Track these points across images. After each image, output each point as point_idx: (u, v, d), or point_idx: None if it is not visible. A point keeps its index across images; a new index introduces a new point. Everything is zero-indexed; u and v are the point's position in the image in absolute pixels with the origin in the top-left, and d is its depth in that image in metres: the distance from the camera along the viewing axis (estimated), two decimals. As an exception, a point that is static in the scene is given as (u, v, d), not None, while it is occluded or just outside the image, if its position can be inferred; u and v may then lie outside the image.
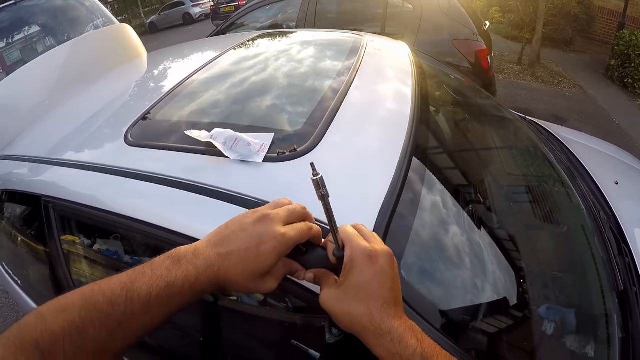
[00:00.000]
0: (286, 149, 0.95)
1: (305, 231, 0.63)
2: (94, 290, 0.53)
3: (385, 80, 1.47)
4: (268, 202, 0.71)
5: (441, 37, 3.89)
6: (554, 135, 2.19)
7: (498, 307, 1.01)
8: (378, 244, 0.62)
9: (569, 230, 1.48)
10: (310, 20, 4.42)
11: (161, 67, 1.86)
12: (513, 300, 1.06)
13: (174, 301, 0.55)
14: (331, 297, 0.60)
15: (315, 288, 0.68)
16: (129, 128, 1.19)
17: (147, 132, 1.18)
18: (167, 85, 1.47)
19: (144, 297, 0.53)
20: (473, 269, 1.03)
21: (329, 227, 0.63)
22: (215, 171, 0.94)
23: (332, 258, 0.64)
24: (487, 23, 4.35)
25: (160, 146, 1.07)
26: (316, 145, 0.98)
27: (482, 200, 1.27)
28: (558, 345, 1.08)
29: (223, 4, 16.81)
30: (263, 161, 0.93)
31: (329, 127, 1.06)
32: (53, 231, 1.19)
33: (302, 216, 0.66)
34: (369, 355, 0.57)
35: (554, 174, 1.69)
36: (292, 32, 2.16)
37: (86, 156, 1.17)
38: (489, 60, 3.93)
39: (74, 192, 1.09)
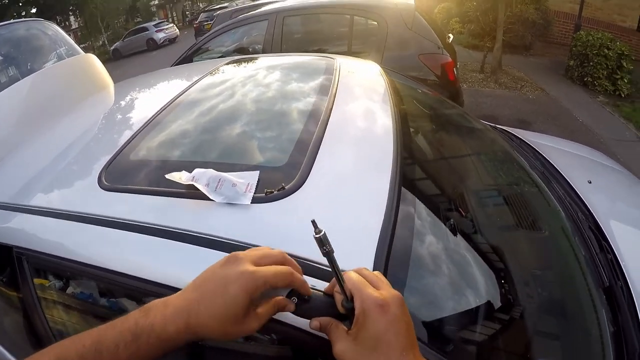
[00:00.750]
0: (274, 187, 0.91)
1: (282, 274, 0.61)
2: (68, 346, 0.53)
3: (362, 104, 1.47)
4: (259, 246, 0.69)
5: (407, 52, 3.95)
6: (525, 142, 2.23)
7: (503, 324, 1.02)
8: (386, 289, 0.61)
9: (550, 234, 1.51)
10: (277, 41, 4.44)
11: (130, 100, 1.81)
12: (514, 315, 1.07)
13: (142, 354, 0.54)
14: (348, 350, 0.58)
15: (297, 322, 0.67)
16: (102, 170, 1.13)
17: (122, 175, 1.12)
18: (139, 120, 1.42)
19: (112, 351, 0.52)
20: (474, 291, 1.03)
21: (333, 275, 0.62)
22: (198, 215, 0.89)
23: (341, 309, 0.62)
24: (451, 36, 4.45)
25: (137, 190, 1.02)
26: (304, 181, 0.94)
27: (469, 216, 1.27)
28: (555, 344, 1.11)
29: (207, 21, 16.88)
30: (251, 202, 0.89)
31: (314, 160, 1.03)
32: (27, 282, 1.11)
33: (280, 260, 0.64)
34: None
35: (531, 181, 1.71)
36: (262, 58, 2.14)
37: (59, 202, 1.11)
38: (455, 72, 4.00)
39: (49, 243, 1.02)
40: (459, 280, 1.03)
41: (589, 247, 1.41)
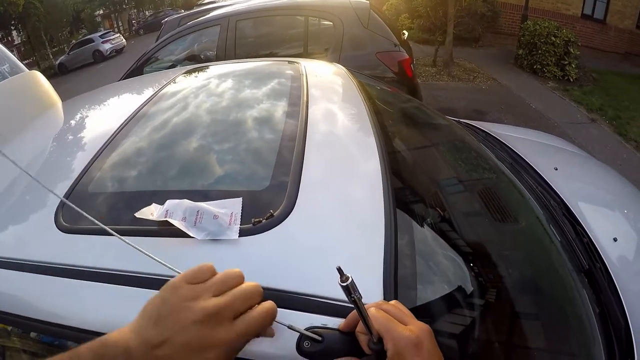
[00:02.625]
0: (261, 215, 0.81)
1: (263, 322, 0.55)
2: None
3: (337, 109, 1.40)
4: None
5: (364, 51, 3.96)
6: (491, 135, 2.26)
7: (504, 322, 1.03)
8: (413, 323, 0.57)
9: (528, 224, 1.53)
10: (231, 47, 4.34)
11: (82, 119, 1.64)
12: (500, 298, 1.08)
13: None
14: None
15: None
16: (58, 207, 0.96)
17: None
18: (95, 143, 1.25)
19: None
20: (461, 279, 1.02)
21: (359, 318, 0.57)
22: (177, 257, 0.73)
23: (368, 350, 0.58)
24: (406, 32, 4.48)
25: (102, 230, 0.80)
26: (294, 204, 0.84)
27: (445, 213, 1.25)
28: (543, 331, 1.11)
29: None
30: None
31: (300, 177, 0.92)
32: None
33: (252, 295, 0.57)
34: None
35: (502, 174, 1.73)
36: (223, 66, 2.03)
37: (13, 249, 0.92)
38: (412, 68, 4.03)
39: (5, 300, 0.85)
40: (451, 277, 1.01)
41: (565, 233, 1.44)
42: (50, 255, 0.85)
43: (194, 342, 0.50)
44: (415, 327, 0.56)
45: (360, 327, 0.59)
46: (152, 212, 0.82)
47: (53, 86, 2.11)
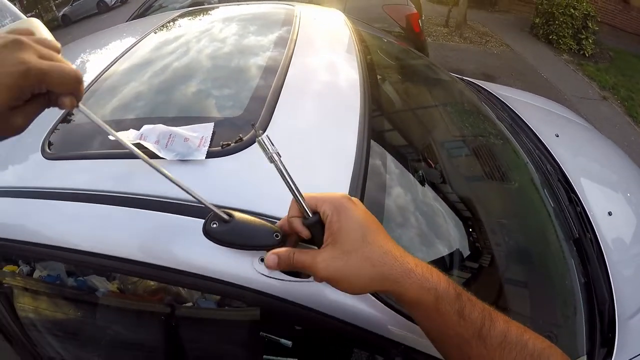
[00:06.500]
0: (230, 139, 0.83)
1: (64, 72, 0.50)
2: None
3: (325, 51, 1.38)
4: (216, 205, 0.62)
5: (371, 2, 3.83)
6: (493, 94, 2.21)
7: (474, 275, 1.03)
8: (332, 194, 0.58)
9: (520, 186, 1.50)
10: (235, -8, 4.19)
11: (78, 61, 1.60)
12: (485, 265, 1.08)
13: None
14: (333, 257, 0.53)
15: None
16: (45, 137, 0.99)
17: (67, 141, 0.99)
18: (85, 80, 1.22)
19: None
20: (447, 243, 1.04)
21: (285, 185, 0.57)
22: (150, 177, 0.75)
23: (304, 231, 0.57)
24: (418, -12, 4.32)
25: (84, 155, 0.90)
26: (265, 132, 0.86)
27: (439, 168, 1.23)
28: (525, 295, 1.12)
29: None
30: (206, 157, 0.80)
31: (274, 109, 0.94)
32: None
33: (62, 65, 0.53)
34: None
35: (500, 133, 1.69)
36: (216, 8, 1.97)
37: (2, 178, 0.96)
38: (420, 24, 3.90)
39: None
40: (433, 233, 1.02)
41: (559, 199, 1.42)
42: (40, 181, 0.89)
43: None
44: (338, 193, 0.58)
45: (292, 211, 0.58)
46: (128, 136, 0.85)
47: (57, 38, 2.01)
